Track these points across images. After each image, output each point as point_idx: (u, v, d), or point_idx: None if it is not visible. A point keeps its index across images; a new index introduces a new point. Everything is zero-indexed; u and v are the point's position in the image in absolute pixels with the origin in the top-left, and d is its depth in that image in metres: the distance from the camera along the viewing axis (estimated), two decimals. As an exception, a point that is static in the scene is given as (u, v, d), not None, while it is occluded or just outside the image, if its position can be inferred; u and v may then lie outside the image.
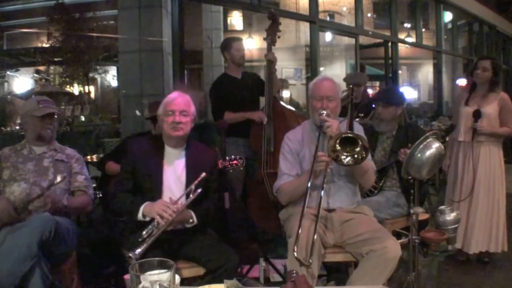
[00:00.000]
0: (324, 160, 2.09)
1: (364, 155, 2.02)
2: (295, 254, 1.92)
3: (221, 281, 1.47)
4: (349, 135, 2.04)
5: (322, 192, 2.15)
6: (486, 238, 3.16)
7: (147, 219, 2.06)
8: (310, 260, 1.96)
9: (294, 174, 2.33)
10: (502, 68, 3.18)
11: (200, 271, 2.10)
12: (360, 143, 2.02)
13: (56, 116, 2.42)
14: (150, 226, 2.02)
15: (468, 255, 3.27)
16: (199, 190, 2.12)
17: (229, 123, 3.12)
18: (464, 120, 3.22)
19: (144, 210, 2.07)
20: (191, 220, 2.16)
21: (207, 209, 2.24)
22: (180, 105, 2.20)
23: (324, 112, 2.22)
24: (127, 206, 2.14)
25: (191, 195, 2.11)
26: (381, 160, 2.94)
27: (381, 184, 2.92)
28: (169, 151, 2.26)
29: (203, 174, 2.15)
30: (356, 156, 2.03)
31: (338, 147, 2.03)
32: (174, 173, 2.23)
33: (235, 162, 2.79)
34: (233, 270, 1.98)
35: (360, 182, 2.37)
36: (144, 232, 2.00)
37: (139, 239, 1.97)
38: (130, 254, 1.88)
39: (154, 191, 2.17)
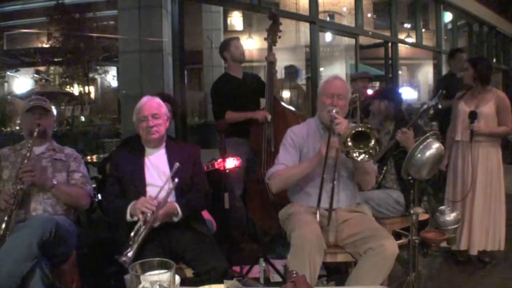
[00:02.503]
0: (335, 146, 2.08)
1: (378, 149, 2.02)
2: (318, 218, 2.05)
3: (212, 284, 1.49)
4: (361, 129, 2.02)
5: (333, 178, 2.15)
6: (484, 237, 3.16)
7: (135, 218, 2.10)
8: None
9: (291, 166, 2.33)
10: (483, 63, 3.12)
11: (189, 272, 2.11)
12: (373, 136, 2.01)
13: (49, 111, 2.41)
14: (136, 226, 2.04)
15: (469, 255, 3.27)
16: (176, 180, 2.16)
17: (228, 123, 3.12)
18: (462, 119, 3.22)
19: (130, 210, 2.13)
20: (175, 212, 2.17)
21: (190, 200, 2.26)
22: (150, 109, 2.28)
23: (334, 109, 2.23)
24: (116, 211, 2.21)
25: (170, 186, 2.16)
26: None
27: (380, 178, 2.92)
28: (149, 151, 2.35)
29: (177, 164, 2.20)
30: (371, 151, 2.02)
31: (349, 143, 2.03)
32: (158, 169, 2.30)
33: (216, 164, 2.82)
34: (221, 275, 1.97)
35: (360, 182, 2.37)
36: (132, 234, 2.02)
37: (130, 242, 1.99)
38: (124, 258, 1.89)
39: (139, 191, 2.23)
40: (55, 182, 2.27)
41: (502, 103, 3.15)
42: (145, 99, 2.34)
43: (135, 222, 2.09)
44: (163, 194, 2.15)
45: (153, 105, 2.30)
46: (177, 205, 2.17)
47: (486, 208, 3.16)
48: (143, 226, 2.03)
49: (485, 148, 3.17)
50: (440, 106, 3.06)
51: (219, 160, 2.88)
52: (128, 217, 2.13)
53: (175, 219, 2.18)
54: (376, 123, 3.05)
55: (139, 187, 2.24)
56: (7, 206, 2.12)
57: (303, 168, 2.24)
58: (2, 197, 2.16)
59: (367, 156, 2.03)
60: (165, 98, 2.85)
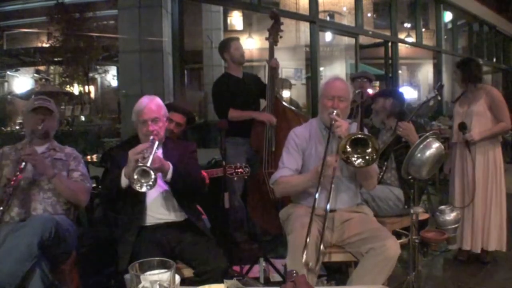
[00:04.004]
0: (332, 165, 2.09)
1: (375, 157, 2.01)
2: (304, 258, 1.94)
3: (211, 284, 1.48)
4: (360, 136, 2.03)
5: (329, 194, 2.15)
6: (486, 236, 3.16)
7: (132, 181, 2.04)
8: (317, 268, 1.98)
9: (294, 169, 2.33)
10: (470, 63, 3.10)
11: (189, 272, 2.11)
12: (371, 144, 2.01)
13: (53, 113, 2.42)
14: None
15: (468, 255, 3.27)
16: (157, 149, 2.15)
17: (229, 122, 3.11)
18: (456, 121, 3.21)
19: (124, 172, 2.07)
20: (167, 167, 2.14)
21: (184, 167, 2.25)
22: (150, 113, 2.24)
23: (334, 111, 2.22)
24: (110, 183, 2.18)
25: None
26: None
27: (381, 174, 2.93)
28: None
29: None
30: (367, 157, 2.02)
31: (348, 149, 2.02)
32: None
33: (240, 170, 2.80)
34: (221, 275, 1.96)
35: (363, 185, 2.37)
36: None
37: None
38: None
39: (138, 196, 2.19)
40: (55, 171, 2.28)
41: (493, 99, 3.13)
42: (145, 101, 2.29)
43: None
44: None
45: (152, 109, 2.25)
46: (171, 167, 2.15)
47: (488, 207, 3.16)
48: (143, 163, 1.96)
49: (482, 148, 3.16)
50: (439, 98, 3.06)
51: (228, 167, 2.83)
52: (123, 180, 2.09)
53: (164, 178, 2.16)
54: (379, 120, 3.05)
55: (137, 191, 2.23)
56: (7, 183, 2.17)
57: (303, 182, 2.24)
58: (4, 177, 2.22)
59: (363, 161, 2.02)
60: (177, 110, 2.86)
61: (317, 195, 2.13)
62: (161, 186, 2.27)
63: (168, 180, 2.17)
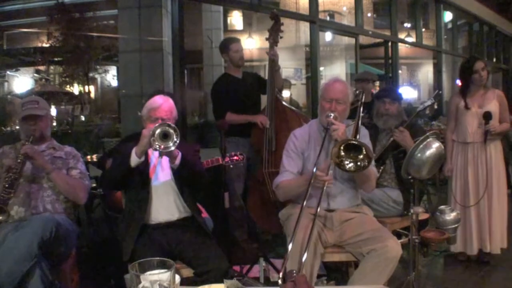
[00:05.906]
0: (323, 180, 2.08)
1: (366, 164, 2.01)
2: (286, 266, 1.92)
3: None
4: (354, 142, 2.03)
5: (322, 196, 2.14)
6: (491, 236, 3.15)
7: (142, 159, 2.14)
8: (304, 271, 1.95)
9: (296, 172, 2.34)
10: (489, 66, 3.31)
11: (188, 272, 2.11)
12: (364, 151, 2.01)
13: (44, 114, 2.42)
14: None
15: (468, 255, 3.27)
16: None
17: (229, 123, 3.12)
18: (470, 121, 3.20)
19: (136, 151, 2.14)
20: (176, 154, 2.17)
21: (189, 159, 2.28)
22: (163, 113, 2.28)
23: (332, 114, 2.22)
24: (118, 163, 2.24)
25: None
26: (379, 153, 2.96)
27: (378, 175, 2.93)
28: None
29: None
30: (359, 163, 2.02)
31: (342, 153, 2.03)
32: (160, 164, 2.31)
33: (235, 157, 2.81)
34: (221, 275, 1.96)
35: (361, 187, 2.37)
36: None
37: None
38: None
39: (143, 180, 2.25)
40: (53, 167, 2.30)
41: (503, 100, 3.20)
42: (160, 100, 2.31)
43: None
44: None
45: (166, 110, 2.28)
46: (179, 155, 2.19)
47: (503, 206, 3.18)
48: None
49: (492, 146, 3.19)
50: (436, 106, 3.08)
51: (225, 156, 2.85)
52: (133, 158, 2.13)
53: (172, 164, 2.20)
54: (387, 121, 3.02)
55: (143, 177, 2.26)
56: (9, 170, 2.22)
57: (301, 183, 2.23)
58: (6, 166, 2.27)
59: (354, 166, 2.03)
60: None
61: (306, 199, 2.11)
62: (166, 175, 2.29)
63: (175, 166, 2.20)
